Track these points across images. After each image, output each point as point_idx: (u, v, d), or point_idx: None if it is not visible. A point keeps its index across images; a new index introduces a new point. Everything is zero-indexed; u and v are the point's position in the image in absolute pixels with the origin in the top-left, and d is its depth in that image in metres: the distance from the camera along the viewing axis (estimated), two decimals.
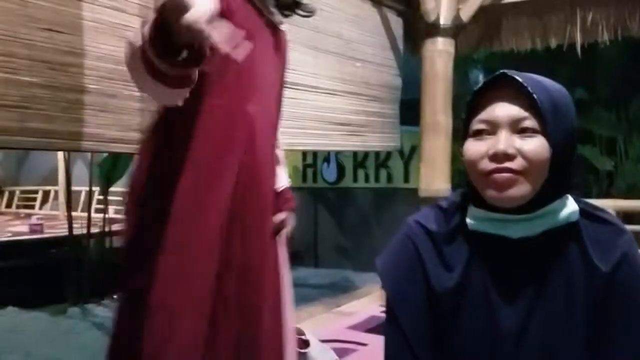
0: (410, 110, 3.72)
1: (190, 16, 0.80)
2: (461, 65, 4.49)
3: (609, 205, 3.50)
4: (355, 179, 5.89)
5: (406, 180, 5.58)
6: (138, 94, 2.06)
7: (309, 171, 6.10)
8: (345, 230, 5.77)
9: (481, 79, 5.17)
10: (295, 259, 6.39)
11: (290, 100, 2.86)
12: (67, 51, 1.88)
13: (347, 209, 5.85)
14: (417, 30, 3.54)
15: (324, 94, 3.13)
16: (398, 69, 3.76)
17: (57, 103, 1.86)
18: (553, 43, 3.48)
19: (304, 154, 5.87)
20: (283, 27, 1.32)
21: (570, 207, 0.97)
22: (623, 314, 0.94)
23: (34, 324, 3.95)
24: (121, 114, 2.03)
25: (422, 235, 1.03)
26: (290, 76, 2.83)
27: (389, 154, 5.61)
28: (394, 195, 5.50)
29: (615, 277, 0.94)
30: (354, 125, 3.41)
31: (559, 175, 0.94)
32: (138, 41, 0.94)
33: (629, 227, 3.38)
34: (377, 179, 5.81)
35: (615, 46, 3.78)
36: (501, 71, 0.95)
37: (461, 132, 1.00)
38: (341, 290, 4.56)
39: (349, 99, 3.35)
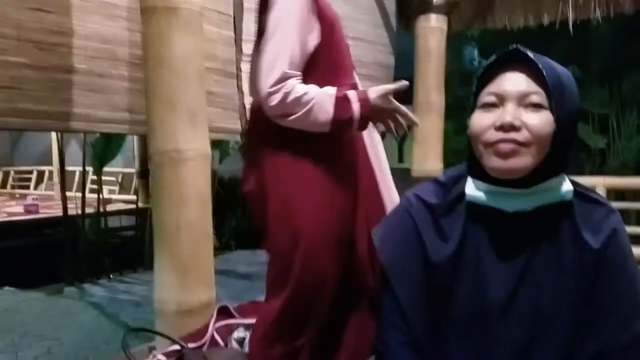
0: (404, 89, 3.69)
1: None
2: (455, 42, 4.46)
3: (601, 182, 3.53)
4: None
5: (400, 160, 5.59)
6: (126, 73, 2.06)
7: None
8: None
9: (476, 56, 5.14)
10: None
11: None
12: (55, 31, 1.88)
13: None
14: (410, 7, 3.52)
15: None
16: (391, 47, 3.73)
17: (46, 83, 1.86)
18: (546, 20, 3.47)
19: None
20: None
21: (565, 186, 1.00)
22: (611, 286, 0.98)
23: (30, 304, 3.99)
24: (110, 94, 2.03)
25: (420, 208, 1.07)
26: None
27: (382, 133, 5.60)
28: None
29: (605, 253, 0.98)
30: None
31: (559, 152, 0.97)
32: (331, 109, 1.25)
33: (621, 204, 3.42)
34: None
35: (608, 23, 3.77)
36: (513, 46, 0.98)
37: (470, 105, 1.03)
38: None
39: None
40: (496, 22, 3.66)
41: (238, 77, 2.55)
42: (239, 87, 2.56)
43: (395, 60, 3.77)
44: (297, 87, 1.23)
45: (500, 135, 0.95)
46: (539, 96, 0.95)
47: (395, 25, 3.71)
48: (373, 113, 1.28)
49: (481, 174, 1.01)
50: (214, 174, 5.88)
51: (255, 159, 1.38)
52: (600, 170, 4.10)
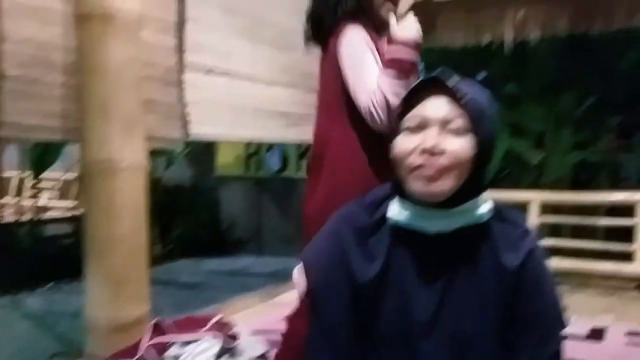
0: None
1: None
2: None
3: (537, 197, 3.67)
4: (299, 169, 5.91)
5: None
6: (61, 80, 1.99)
7: (253, 160, 6.07)
8: (289, 219, 5.79)
9: (421, 73, 5.25)
10: (238, 248, 6.36)
11: (227, 89, 2.83)
12: None
13: (291, 198, 5.86)
14: None
15: (261, 84, 3.11)
16: None
17: None
18: (485, 40, 3.58)
19: (248, 142, 5.83)
20: None
21: (484, 206, 1.03)
22: (529, 306, 1.02)
23: None
24: (43, 101, 1.95)
25: (346, 230, 1.08)
26: (225, 64, 2.83)
27: None
28: None
29: (522, 273, 1.01)
30: (293, 116, 3.40)
31: (479, 174, 1.01)
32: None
33: (556, 218, 3.52)
34: None
35: (545, 43, 3.93)
36: (434, 73, 1.00)
37: (395, 127, 1.05)
38: (282, 279, 4.57)
39: (288, 90, 3.33)
40: (437, 41, 3.73)
41: (181, 86, 2.52)
42: (181, 96, 2.53)
43: None
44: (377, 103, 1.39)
45: (423, 159, 0.97)
46: (461, 121, 0.98)
47: None
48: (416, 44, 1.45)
49: (405, 195, 1.03)
50: (158, 181, 5.79)
51: (316, 184, 1.55)
52: (536, 184, 4.25)
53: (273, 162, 6.00)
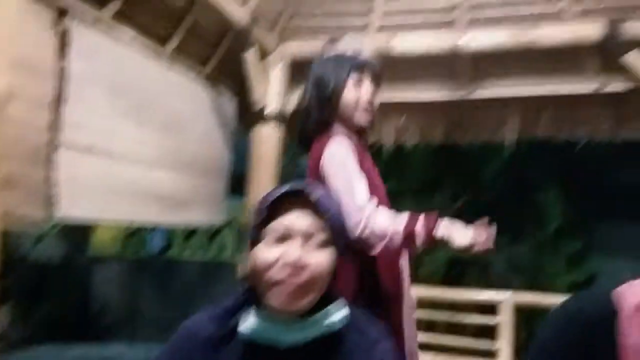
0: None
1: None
2: (292, 149, 4.68)
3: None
4: (183, 250, 5.72)
5: (238, 251, 5.55)
6: None
7: (132, 240, 5.80)
8: (169, 304, 5.50)
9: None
10: (109, 333, 5.92)
11: (105, 170, 2.73)
12: None
13: (173, 281, 5.61)
14: (247, 113, 3.65)
15: (144, 166, 3.04)
16: (228, 145, 3.80)
17: None
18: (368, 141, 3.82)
19: None
20: None
21: (338, 314, 1.02)
22: None
23: None
24: None
25: (191, 343, 1.02)
26: (106, 145, 2.74)
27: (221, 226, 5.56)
28: (224, 267, 5.42)
29: None
30: (177, 198, 3.33)
31: (336, 281, 1.01)
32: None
33: (429, 314, 3.60)
34: (207, 250, 5.71)
35: (421, 148, 4.27)
36: (295, 186, 1.00)
37: (250, 237, 1.02)
38: None
39: (173, 172, 3.28)
40: None
41: (50, 165, 2.38)
42: (49, 175, 2.38)
43: (236, 154, 3.84)
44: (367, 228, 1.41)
45: (285, 274, 0.95)
46: (323, 234, 0.99)
47: (234, 125, 3.81)
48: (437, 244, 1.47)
49: (260, 305, 1.00)
50: (23, 259, 5.32)
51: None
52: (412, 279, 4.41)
53: (155, 242, 5.78)
